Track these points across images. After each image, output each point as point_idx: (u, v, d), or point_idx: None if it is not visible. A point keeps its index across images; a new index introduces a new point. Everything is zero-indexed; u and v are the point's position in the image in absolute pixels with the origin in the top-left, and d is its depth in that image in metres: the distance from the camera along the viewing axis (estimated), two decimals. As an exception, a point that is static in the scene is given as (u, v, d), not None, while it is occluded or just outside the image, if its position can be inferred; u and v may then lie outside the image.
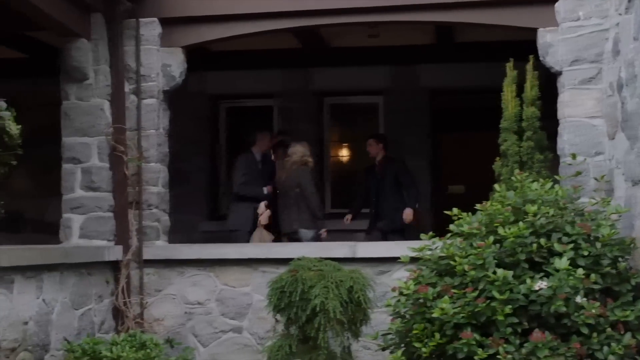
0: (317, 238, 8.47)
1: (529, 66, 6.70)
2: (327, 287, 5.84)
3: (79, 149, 7.34)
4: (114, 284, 7.21)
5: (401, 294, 5.17)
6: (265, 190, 8.94)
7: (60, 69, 7.41)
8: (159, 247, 7.41)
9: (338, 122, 10.98)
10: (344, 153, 10.84)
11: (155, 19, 7.45)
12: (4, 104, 5.45)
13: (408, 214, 8.97)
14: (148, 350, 5.79)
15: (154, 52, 7.45)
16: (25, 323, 5.79)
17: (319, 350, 5.85)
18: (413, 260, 5.55)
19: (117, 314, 7.17)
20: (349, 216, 9.35)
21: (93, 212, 7.28)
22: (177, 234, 8.14)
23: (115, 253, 7.15)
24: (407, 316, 5.13)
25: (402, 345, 5.13)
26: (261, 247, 7.41)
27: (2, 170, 5.66)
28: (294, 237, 8.44)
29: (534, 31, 6.95)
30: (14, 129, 5.50)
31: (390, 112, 10.55)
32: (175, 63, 7.55)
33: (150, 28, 7.45)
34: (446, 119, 11.06)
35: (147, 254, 7.33)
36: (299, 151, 8.55)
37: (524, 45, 6.97)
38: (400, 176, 9.19)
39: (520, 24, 7.05)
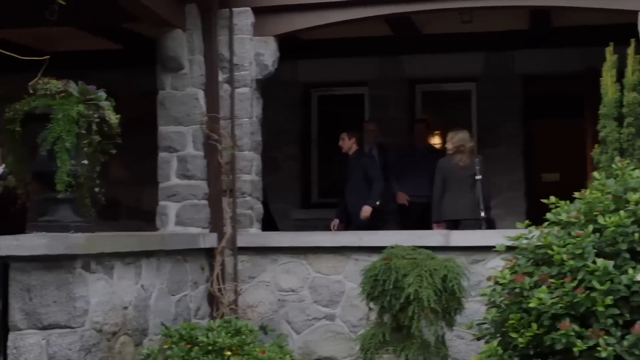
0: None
1: (630, 50, 6.51)
2: (421, 276, 5.80)
3: (174, 138, 7.47)
4: (209, 270, 7.32)
5: (497, 283, 5.09)
6: None
7: (157, 59, 7.55)
8: (252, 235, 7.49)
9: (430, 109, 10.87)
10: (436, 141, 10.73)
11: (248, 8, 7.52)
12: (103, 94, 5.58)
13: (365, 210, 8.71)
14: (243, 337, 5.86)
15: (246, 41, 7.52)
16: (125, 308, 5.93)
17: (412, 339, 5.83)
18: (508, 249, 5.46)
19: (212, 300, 7.28)
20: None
21: (188, 200, 7.40)
22: (269, 222, 8.23)
23: (210, 240, 7.25)
24: (503, 306, 5.05)
25: (498, 335, 5.04)
26: (354, 235, 7.40)
27: (103, 158, 5.79)
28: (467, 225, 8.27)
29: (634, 14, 6.74)
30: (113, 118, 5.62)
31: (483, 99, 10.40)
32: (268, 52, 7.60)
33: (243, 17, 7.52)
34: (540, 106, 10.84)
35: (241, 242, 7.42)
36: (460, 138, 8.42)
37: (623, 29, 6.77)
38: (367, 170, 9.00)
39: (621, 7, 6.85)
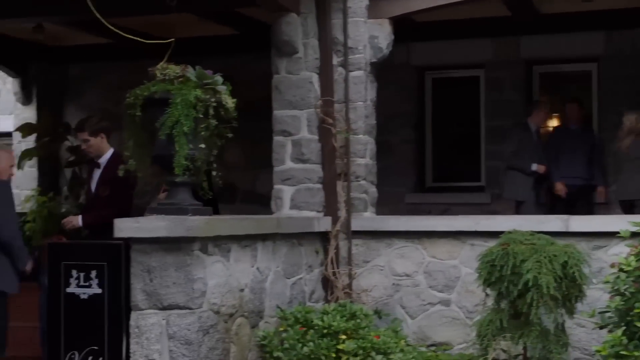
0: None
1: None
2: (540, 262, 5.65)
3: (289, 122, 7.50)
4: (323, 254, 7.33)
5: (621, 270, 4.92)
6: (535, 167, 8.91)
7: (271, 43, 7.59)
8: (366, 219, 7.47)
9: (548, 91, 10.59)
10: (554, 124, 10.44)
11: (362, -10, 7.47)
12: (220, 79, 5.64)
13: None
14: (358, 321, 5.85)
15: (360, 24, 7.47)
16: (242, 290, 6.00)
17: (531, 327, 5.69)
18: (633, 235, 5.27)
19: (327, 283, 7.30)
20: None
21: (303, 184, 7.42)
22: (383, 206, 8.18)
23: (324, 224, 7.26)
24: (628, 294, 4.88)
25: (622, 324, 4.88)
26: (469, 219, 7.28)
27: (219, 142, 5.85)
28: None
29: None
30: (229, 102, 5.67)
31: (605, 79, 10.05)
32: (382, 35, 7.54)
33: (357, 0, 7.47)
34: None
35: (355, 225, 7.40)
36: (636, 119, 8.40)
37: None
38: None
39: None
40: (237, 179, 11.18)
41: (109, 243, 5.69)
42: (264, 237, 6.36)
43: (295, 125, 7.49)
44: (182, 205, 5.59)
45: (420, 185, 10.82)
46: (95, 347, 5.76)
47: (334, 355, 5.65)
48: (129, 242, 5.55)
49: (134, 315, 5.53)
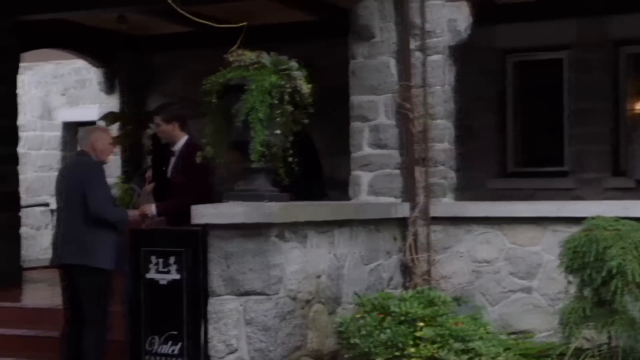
0: None
1: None
2: (625, 248, 5.47)
3: (366, 107, 7.45)
4: (402, 240, 7.26)
5: None
6: None
7: (349, 29, 7.53)
8: (445, 205, 7.36)
9: (636, 73, 10.25)
10: (640, 107, 10.13)
11: (440, -27, 7.34)
12: (295, 64, 5.62)
13: None
14: (436, 308, 5.77)
15: (439, 7, 7.35)
16: (319, 276, 5.99)
17: (615, 315, 5.52)
18: None
19: (405, 270, 7.23)
20: None
21: (380, 170, 7.36)
22: (464, 192, 8.05)
23: (402, 210, 7.19)
24: None
25: None
26: (552, 204, 7.11)
27: (295, 128, 5.84)
28: None
29: None
30: (305, 88, 5.65)
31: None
32: (461, 17, 7.40)
33: (435, -17, 7.36)
34: None
35: (434, 211, 7.30)
36: None
37: None
38: None
39: None
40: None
41: (188, 229, 5.74)
42: (341, 224, 6.33)
43: (373, 110, 7.43)
44: (259, 191, 5.61)
45: (503, 171, 10.64)
46: (175, 332, 5.82)
47: (411, 342, 5.58)
48: (206, 228, 5.59)
49: (212, 300, 5.58)
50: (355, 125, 7.53)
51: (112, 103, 11.96)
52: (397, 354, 5.58)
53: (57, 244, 6.46)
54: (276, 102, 5.44)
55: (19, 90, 9.91)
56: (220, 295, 5.55)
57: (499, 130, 10.65)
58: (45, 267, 9.45)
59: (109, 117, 11.32)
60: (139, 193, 9.05)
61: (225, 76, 5.52)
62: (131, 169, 11.65)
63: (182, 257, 5.81)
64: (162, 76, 11.91)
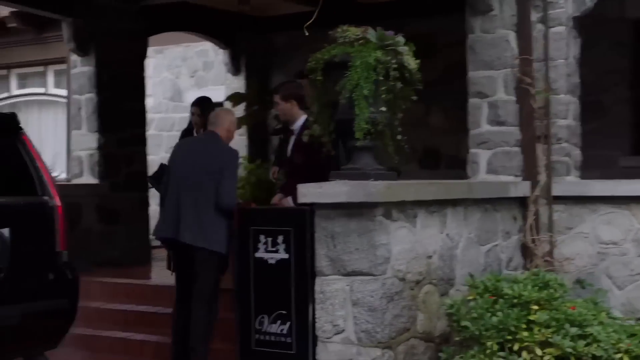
0: None
1: None
2: None
3: (484, 83, 7.20)
4: (522, 220, 7.00)
5: None
6: None
7: (466, 2, 7.30)
8: (569, 183, 7.04)
9: None
10: None
11: (562, -61, 6.99)
12: (401, 39, 5.46)
13: None
14: (551, 290, 5.52)
15: (561, -24, 7.01)
16: (429, 257, 5.84)
17: None
18: None
19: (526, 251, 6.97)
20: None
21: (499, 147, 7.11)
22: (593, 170, 7.69)
23: (521, 189, 6.92)
24: None
25: None
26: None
27: (404, 105, 5.69)
28: None
29: None
30: (412, 63, 5.49)
31: None
32: (586, -14, 7.03)
33: (557, -49, 7.01)
34: None
35: (556, 190, 6.99)
36: None
37: None
38: None
39: None
40: (442, 143, 10.98)
41: (295, 209, 5.71)
42: (454, 203, 6.15)
43: (491, 86, 7.17)
44: (364, 170, 5.50)
45: (637, 148, 10.10)
46: (283, 312, 5.82)
47: (524, 326, 5.36)
48: (312, 207, 5.54)
49: (318, 280, 5.52)
50: (472, 101, 7.29)
51: (238, 84, 12.09)
52: (508, 337, 5.36)
53: (166, 219, 6.51)
54: (381, 78, 5.31)
55: (149, 73, 10.17)
56: (326, 275, 5.48)
57: (633, 105, 10.11)
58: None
59: (235, 98, 11.44)
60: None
61: (329, 53, 5.43)
62: (255, 149, 11.78)
63: (290, 237, 5.79)
64: (284, 56, 11.95)
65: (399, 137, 5.73)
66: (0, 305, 5.02)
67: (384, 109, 5.34)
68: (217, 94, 12.47)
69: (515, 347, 5.35)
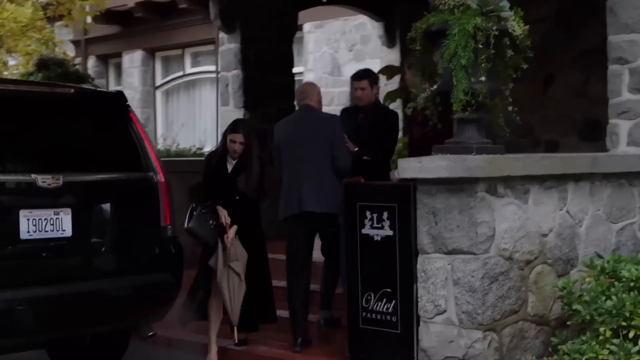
0: None
1: None
2: None
3: (625, 48, 6.62)
4: (665, 196, 6.44)
5: None
6: None
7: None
8: None
9: None
10: None
11: None
12: (506, 4, 5.12)
13: None
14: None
15: None
16: (544, 235, 5.49)
17: None
18: None
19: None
20: None
21: (640, 118, 6.57)
22: None
23: (663, 162, 6.36)
24: None
25: None
26: None
27: (514, 74, 5.36)
28: None
29: None
30: (518, 30, 5.14)
31: None
32: None
33: None
34: None
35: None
36: None
37: None
38: None
39: None
40: (602, 115, 10.30)
41: (399, 184, 5.52)
42: (577, 178, 5.74)
43: (633, 51, 6.60)
44: (467, 143, 5.23)
45: None
46: (389, 290, 5.66)
47: (640, 311, 4.93)
48: (414, 183, 5.34)
49: (420, 259, 5.33)
50: (612, 68, 6.75)
51: (393, 57, 11.90)
52: (623, 324, 4.95)
53: (288, 198, 6.57)
54: (481, 46, 5.00)
55: (309, 48, 10.11)
56: (428, 254, 5.28)
57: None
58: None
59: (387, 71, 11.28)
60: None
61: (427, 21, 5.19)
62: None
63: (395, 213, 5.61)
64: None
65: (510, 108, 5.40)
66: (105, 278, 5.20)
67: (483, 78, 5.03)
68: (375, 68, 12.36)
69: (631, 334, 4.93)
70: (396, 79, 11.42)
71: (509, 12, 5.13)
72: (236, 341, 6.52)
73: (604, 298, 5.06)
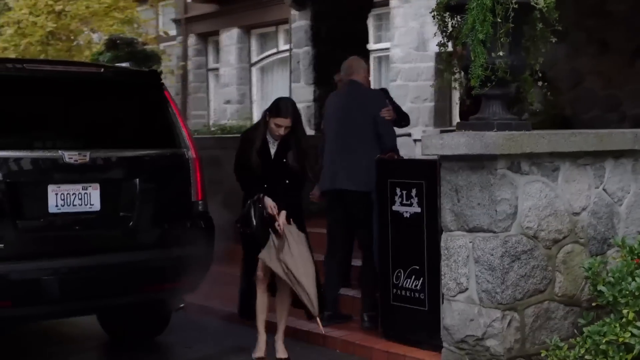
0: None
1: None
2: None
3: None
4: None
5: None
6: None
7: None
8: None
9: None
10: None
11: None
12: (529, -25, 4.98)
13: None
14: None
15: None
16: (575, 214, 5.34)
17: None
18: None
19: None
20: None
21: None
22: None
23: None
24: None
25: None
26: None
27: (543, 48, 5.21)
28: None
29: None
30: (542, 2, 4.99)
31: None
32: None
33: None
34: None
35: None
36: None
37: None
38: None
39: None
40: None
41: (426, 160, 5.48)
42: (618, 154, 5.54)
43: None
44: (490, 119, 5.14)
45: None
46: (417, 267, 5.64)
47: (666, 294, 4.74)
48: (439, 160, 5.29)
49: (443, 236, 5.28)
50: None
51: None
52: (647, 306, 4.79)
53: (326, 173, 6.56)
54: (500, 20, 4.89)
55: (396, 23, 9.89)
56: (451, 231, 5.22)
57: None
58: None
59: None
60: None
61: (447, -5, 5.11)
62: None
63: (423, 190, 5.58)
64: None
65: (540, 83, 5.27)
66: (133, 250, 5.38)
67: (501, 53, 4.91)
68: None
69: (654, 317, 4.76)
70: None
71: (531, -16, 4.99)
72: (322, 332, 5.93)
73: (630, 279, 4.89)
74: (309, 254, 5.76)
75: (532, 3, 4.99)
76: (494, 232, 5.03)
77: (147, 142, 5.64)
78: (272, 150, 5.87)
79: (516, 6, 4.91)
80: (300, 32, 9.93)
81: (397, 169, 5.84)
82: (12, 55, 10.99)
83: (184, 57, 17.83)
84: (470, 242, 5.13)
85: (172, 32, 18.22)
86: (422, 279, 5.62)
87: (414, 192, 5.63)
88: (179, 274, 5.43)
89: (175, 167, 5.64)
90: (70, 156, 5.19)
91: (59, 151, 5.19)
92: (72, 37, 11.07)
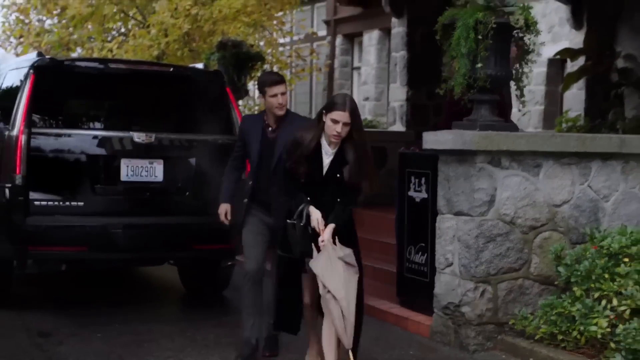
0: None
1: None
2: None
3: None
4: None
5: None
6: None
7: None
8: None
9: None
10: None
11: None
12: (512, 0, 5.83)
13: None
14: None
15: None
16: (556, 206, 6.13)
17: None
18: None
19: None
20: None
21: None
22: None
23: None
24: None
25: None
26: None
27: (532, 61, 6.04)
28: None
29: None
30: (521, 22, 5.83)
31: None
32: None
33: None
34: None
35: None
36: None
37: None
38: None
39: None
40: None
41: (432, 153, 6.42)
42: (606, 156, 6.27)
43: None
44: (478, 121, 6.04)
45: None
46: (423, 244, 6.60)
47: (607, 276, 5.48)
48: (436, 153, 6.23)
49: (438, 218, 6.23)
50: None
51: (580, 39, 12.21)
52: (592, 285, 5.56)
53: None
54: (481, 37, 5.78)
55: None
56: (443, 214, 6.17)
57: None
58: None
59: (565, 53, 11.69)
60: None
61: (444, 16, 6.04)
62: (593, 104, 11.87)
63: (429, 178, 6.53)
64: (631, 10, 11.73)
65: (517, 93, 6.13)
66: (188, 215, 6.65)
67: (479, 65, 5.80)
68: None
69: (596, 295, 5.53)
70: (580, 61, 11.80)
71: (513, 7, 5.84)
72: None
73: (585, 262, 5.68)
74: (351, 277, 4.92)
75: (512, 23, 5.86)
76: (471, 216, 5.94)
77: (205, 128, 6.91)
78: (326, 161, 5.02)
79: (495, 25, 5.80)
80: (397, 37, 10.93)
81: (412, 160, 6.81)
82: (155, 53, 12.67)
83: (332, 55, 19.15)
84: (455, 223, 6.06)
85: (322, 32, 19.58)
86: (426, 254, 6.58)
87: (422, 180, 6.60)
88: (225, 237, 6.63)
89: (228, 150, 6.86)
90: (138, 137, 6.59)
91: (130, 132, 6.60)
92: (205, 39, 12.55)
